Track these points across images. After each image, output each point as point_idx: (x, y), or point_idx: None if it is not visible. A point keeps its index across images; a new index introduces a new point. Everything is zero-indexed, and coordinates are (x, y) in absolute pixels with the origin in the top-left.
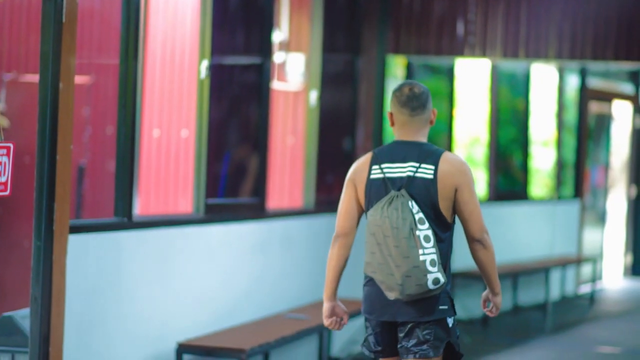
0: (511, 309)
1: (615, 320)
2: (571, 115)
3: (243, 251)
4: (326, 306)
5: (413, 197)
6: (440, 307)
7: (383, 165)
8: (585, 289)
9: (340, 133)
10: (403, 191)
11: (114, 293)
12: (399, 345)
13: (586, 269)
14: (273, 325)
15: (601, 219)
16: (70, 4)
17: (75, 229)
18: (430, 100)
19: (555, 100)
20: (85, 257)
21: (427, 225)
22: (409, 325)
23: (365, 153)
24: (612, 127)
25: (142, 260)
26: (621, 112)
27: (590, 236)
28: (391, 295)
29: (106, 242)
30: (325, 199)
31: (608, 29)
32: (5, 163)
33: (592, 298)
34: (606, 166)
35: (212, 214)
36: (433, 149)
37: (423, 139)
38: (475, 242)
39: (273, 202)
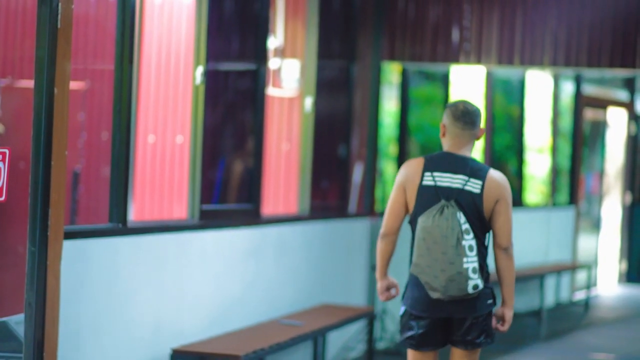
0: None
1: (610, 327)
2: (566, 122)
3: (238, 257)
4: (380, 285)
5: (462, 208)
6: (488, 302)
7: (435, 174)
8: (580, 295)
9: (335, 139)
10: (453, 202)
11: (109, 299)
12: (456, 338)
13: (581, 276)
14: (267, 331)
15: (596, 225)
16: (66, 9)
17: (70, 235)
18: (481, 119)
19: (550, 107)
20: (80, 263)
21: (471, 235)
22: (467, 322)
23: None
24: (607, 134)
25: (136, 266)
26: (616, 119)
27: (585, 243)
28: (434, 295)
29: (101, 248)
30: (320, 205)
31: (603, 36)
32: (0, 169)
33: (586, 305)
34: (601, 173)
35: (207, 219)
36: (480, 165)
37: (469, 153)
38: (501, 250)
39: (268, 208)
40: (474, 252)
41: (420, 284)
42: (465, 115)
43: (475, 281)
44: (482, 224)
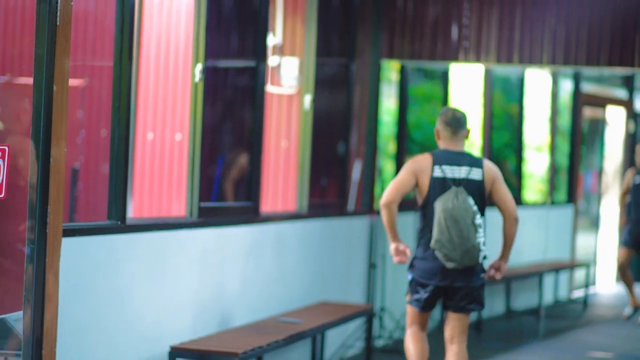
0: (504, 314)
1: (608, 325)
2: (565, 120)
3: (236, 255)
4: (392, 247)
5: (470, 193)
6: (481, 275)
7: (444, 167)
8: (578, 293)
9: (334, 137)
10: (461, 188)
11: (107, 296)
12: (451, 303)
13: (579, 274)
14: (266, 329)
15: (594, 224)
16: (65, 6)
17: (69, 232)
18: (467, 122)
19: (548, 105)
20: (79, 260)
21: (479, 215)
22: (463, 290)
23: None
24: (606, 132)
25: (135, 264)
26: (614, 117)
27: (584, 241)
28: (450, 265)
29: (100, 245)
30: (318, 202)
31: (602, 34)
32: (0, 166)
33: (585, 303)
34: (599, 171)
35: (206, 217)
36: (476, 157)
37: (462, 149)
38: (513, 219)
39: (266, 205)
40: (482, 229)
41: (430, 257)
42: (453, 121)
43: (485, 252)
44: (483, 206)
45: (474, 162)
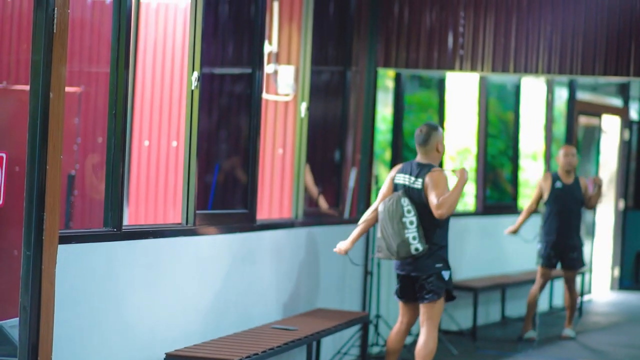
0: (499, 321)
1: (603, 332)
2: (560, 129)
3: (232, 262)
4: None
5: (408, 197)
6: (436, 265)
7: (401, 175)
8: None
9: (330, 144)
10: (400, 192)
11: (103, 303)
12: (417, 295)
13: None
14: (261, 336)
15: (589, 231)
16: (62, 14)
17: (65, 239)
18: (434, 136)
19: (544, 114)
20: (75, 267)
21: (412, 213)
22: (419, 281)
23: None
24: (601, 141)
25: (131, 271)
26: (610, 125)
27: None
28: (392, 257)
29: (95, 252)
30: (314, 210)
31: (597, 43)
32: None
33: (580, 310)
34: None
35: (202, 224)
36: (427, 168)
37: (430, 160)
38: (435, 210)
39: (262, 213)
40: (414, 226)
41: None
42: (418, 137)
43: (415, 245)
44: (426, 210)
45: (420, 173)
